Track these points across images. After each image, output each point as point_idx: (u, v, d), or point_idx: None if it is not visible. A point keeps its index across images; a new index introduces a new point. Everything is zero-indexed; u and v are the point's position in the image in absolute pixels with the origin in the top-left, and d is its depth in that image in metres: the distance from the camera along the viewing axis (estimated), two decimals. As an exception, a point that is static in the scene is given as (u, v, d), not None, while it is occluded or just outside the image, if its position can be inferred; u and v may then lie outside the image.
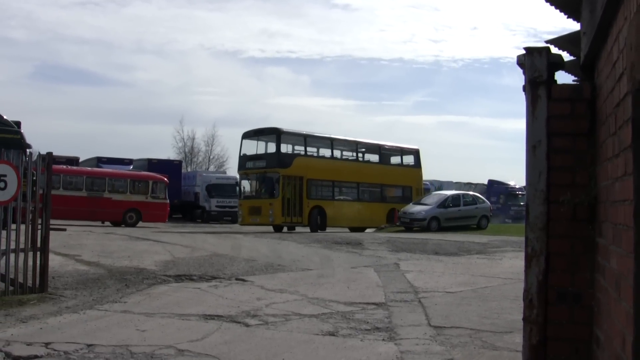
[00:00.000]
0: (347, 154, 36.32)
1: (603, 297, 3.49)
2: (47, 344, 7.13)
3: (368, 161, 36.98)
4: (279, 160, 32.32)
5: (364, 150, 37.09)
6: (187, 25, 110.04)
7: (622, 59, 2.79)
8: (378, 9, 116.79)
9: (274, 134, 33.08)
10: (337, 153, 35.56)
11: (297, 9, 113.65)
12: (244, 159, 33.91)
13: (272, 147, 33.14)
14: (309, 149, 34.33)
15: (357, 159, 36.48)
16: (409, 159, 38.87)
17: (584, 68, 4.20)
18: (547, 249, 4.05)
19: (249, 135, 34.53)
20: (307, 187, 32.77)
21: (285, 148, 33.54)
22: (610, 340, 3.11)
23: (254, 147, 34.20)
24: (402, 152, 38.91)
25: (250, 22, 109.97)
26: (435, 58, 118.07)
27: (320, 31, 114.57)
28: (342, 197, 35.16)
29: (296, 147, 34.06)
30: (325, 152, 34.98)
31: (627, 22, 2.60)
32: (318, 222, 32.65)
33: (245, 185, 34.86)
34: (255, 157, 33.67)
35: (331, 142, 35.18)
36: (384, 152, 38.00)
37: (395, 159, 38.62)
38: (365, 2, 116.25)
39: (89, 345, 7.12)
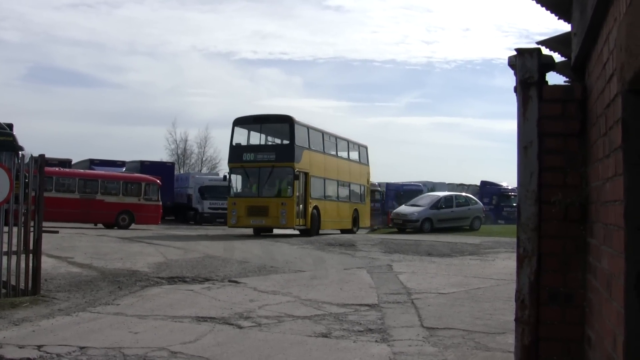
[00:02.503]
0: (331, 150, 32.70)
1: (594, 297, 3.50)
2: (39, 347, 7.11)
3: (341, 157, 33.47)
4: (294, 152, 27.88)
5: (340, 145, 33.74)
6: (179, 27, 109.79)
7: (612, 59, 2.80)
8: (370, 10, 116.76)
9: (287, 122, 28.45)
10: (326, 149, 31.87)
11: (290, 10, 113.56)
12: (238, 150, 28.93)
13: (283, 137, 28.83)
14: (306, 142, 29.59)
15: (336, 155, 33.00)
16: (362, 156, 36.12)
17: (575, 69, 4.22)
18: (538, 249, 4.06)
19: (245, 122, 29.59)
20: (310, 185, 28.88)
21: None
22: (602, 339, 3.13)
23: (254, 137, 29.70)
24: (358, 147, 35.88)
25: (243, 23, 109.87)
26: (427, 59, 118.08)
27: (312, 32, 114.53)
28: (331, 197, 31.75)
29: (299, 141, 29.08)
30: (318, 147, 30.91)
31: (617, 23, 2.61)
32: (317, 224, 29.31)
33: (239, 180, 29.54)
34: (259, 148, 29.18)
35: (322, 136, 31.35)
36: (350, 148, 34.86)
37: (354, 155, 35.31)
38: (357, 3, 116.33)
39: (81, 348, 7.10)
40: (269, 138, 30.40)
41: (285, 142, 28.61)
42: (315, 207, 29.28)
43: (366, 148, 36.79)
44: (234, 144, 29.22)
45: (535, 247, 4.06)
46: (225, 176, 30.36)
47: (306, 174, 28.56)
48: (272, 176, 28.18)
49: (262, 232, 28.76)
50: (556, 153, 4.07)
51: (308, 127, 29.90)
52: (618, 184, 2.62)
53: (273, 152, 28.81)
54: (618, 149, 2.61)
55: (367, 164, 36.60)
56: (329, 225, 31.16)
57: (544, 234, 4.06)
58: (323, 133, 31.59)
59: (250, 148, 29.17)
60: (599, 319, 3.29)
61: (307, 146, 29.32)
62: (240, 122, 29.52)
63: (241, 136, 29.59)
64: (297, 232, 28.74)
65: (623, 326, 2.46)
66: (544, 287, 4.05)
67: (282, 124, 28.86)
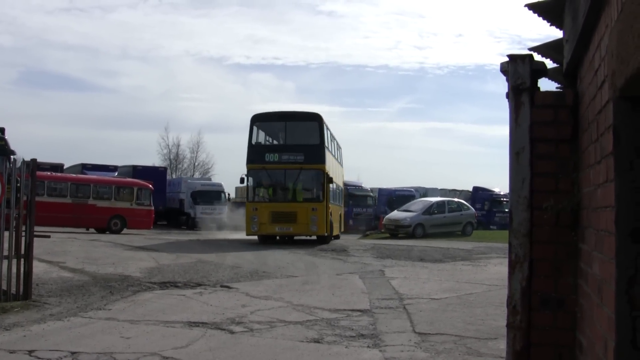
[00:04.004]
0: (333, 151, 30.11)
1: (586, 302, 3.51)
2: (30, 352, 7.09)
3: (336, 158, 31.07)
4: (324, 154, 25.89)
5: (335, 145, 31.55)
6: (172, 32, 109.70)
7: (603, 66, 2.81)
8: (363, 15, 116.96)
9: (316, 121, 26.30)
10: (332, 149, 29.48)
11: (283, 15, 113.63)
12: (259, 150, 26.35)
13: (309, 137, 26.18)
14: (326, 143, 27.26)
15: (335, 156, 30.51)
16: (341, 156, 33.94)
17: (566, 75, 4.23)
18: (530, 255, 4.06)
19: (267, 119, 27.18)
20: (329, 189, 26.78)
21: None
22: (593, 345, 3.13)
23: (275, 136, 27.74)
24: (340, 148, 33.75)
25: (236, 28, 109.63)
26: (420, 65, 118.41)
27: (305, 38, 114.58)
28: (335, 201, 29.72)
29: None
30: (329, 147, 28.34)
31: (609, 30, 2.62)
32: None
33: (260, 183, 26.59)
34: (285, 148, 26.66)
35: (330, 135, 29.07)
36: (337, 148, 32.46)
37: (339, 156, 33.04)
38: (350, 8, 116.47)
39: (73, 353, 7.08)
40: (303, 136, 27.29)
41: (313, 142, 26.14)
42: (331, 212, 27.31)
43: (341, 148, 35.46)
44: (253, 143, 26.50)
45: (527, 252, 4.07)
46: (242, 178, 26.82)
47: (327, 177, 26.52)
48: (299, 179, 25.98)
49: (268, 240, 26.45)
50: (548, 159, 4.07)
51: (327, 127, 27.84)
52: (609, 190, 2.63)
53: (301, 152, 26.00)
54: (609, 155, 2.62)
55: (342, 166, 35.32)
56: (335, 231, 29.29)
57: (536, 240, 4.07)
58: (330, 133, 29.55)
59: (274, 148, 27.11)
60: (590, 324, 3.30)
61: (327, 147, 27.29)
62: (260, 119, 26.94)
63: (261, 135, 27.24)
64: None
65: (614, 331, 2.47)
66: (535, 293, 4.06)
67: (309, 122, 26.65)
